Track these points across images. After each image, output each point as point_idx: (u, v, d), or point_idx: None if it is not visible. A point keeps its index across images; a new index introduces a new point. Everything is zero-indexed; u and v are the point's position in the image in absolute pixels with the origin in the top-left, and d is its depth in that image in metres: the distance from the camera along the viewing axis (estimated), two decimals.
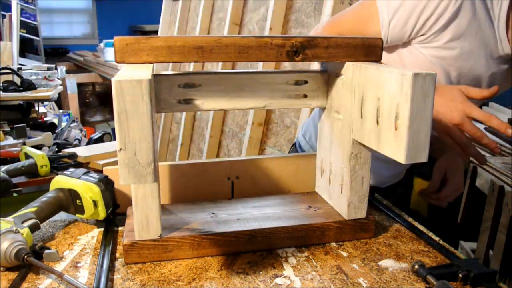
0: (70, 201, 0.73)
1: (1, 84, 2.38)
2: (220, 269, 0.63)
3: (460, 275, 0.60)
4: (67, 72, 4.65)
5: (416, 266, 0.62)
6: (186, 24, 3.28)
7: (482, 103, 1.53)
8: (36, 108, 2.51)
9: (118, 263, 0.64)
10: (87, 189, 0.72)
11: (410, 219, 0.82)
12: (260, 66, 2.07)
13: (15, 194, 1.40)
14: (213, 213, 0.73)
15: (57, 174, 0.77)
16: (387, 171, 1.10)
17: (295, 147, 1.23)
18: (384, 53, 0.80)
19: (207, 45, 0.61)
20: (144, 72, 0.55)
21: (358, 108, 0.65)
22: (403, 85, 0.55)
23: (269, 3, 2.07)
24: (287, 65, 1.92)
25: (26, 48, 5.07)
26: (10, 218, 0.65)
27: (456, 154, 0.89)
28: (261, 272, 0.62)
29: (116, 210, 0.76)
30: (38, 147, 1.79)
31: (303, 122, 1.55)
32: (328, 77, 0.74)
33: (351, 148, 0.68)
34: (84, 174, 0.75)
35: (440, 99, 0.78)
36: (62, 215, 0.77)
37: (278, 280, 0.61)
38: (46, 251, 0.63)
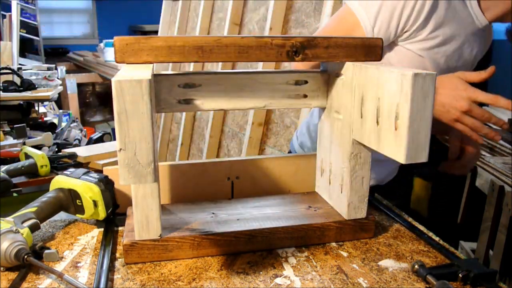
0: (70, 201, 0.73)
1: (1, 84, 2.37)
2: (220, 269, 0.63)
3: (460, 275, 0.60)
4: (67, 72, 4.65)
5: (416, 266, 0.62)
6: (186, 24, 3.27)
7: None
8: (36, 108, 2.50)
9: (118, 263, 0.64)
10: (87, 189, 0.72)
11: (410, 219, 0.82)
12: (260, 66, 2.07)
13: (15, 194, 1.40)
14: (213, 213, 0.73)
15: (57, 174, 0.77)
16: (384, 169, 1.10)
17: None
18: None
19: (207, 45, 0.61)
20: (144, 72, 0.55)
21: (358, 108, 0.65)
22: (403, 85, 0.55)
23: (269, 3, 2.07)
24: (287, 65, 1.92)
25: (26, 48, 5.08)
26: (10, 218, 0.65)
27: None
28: (261, 272, 0.62)
29: (116, 210, 0.76)
30: (38, 147, 1.79)
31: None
32: (328, 77, 0.74)
33: (351, 148, 0.68)
34: (84, 174, 0.75)
35: (444, 91, 0.79)
36: (62, 215, 0.77)
37: (278, 280, 0.61)
38: (46, 251, 0.63)
